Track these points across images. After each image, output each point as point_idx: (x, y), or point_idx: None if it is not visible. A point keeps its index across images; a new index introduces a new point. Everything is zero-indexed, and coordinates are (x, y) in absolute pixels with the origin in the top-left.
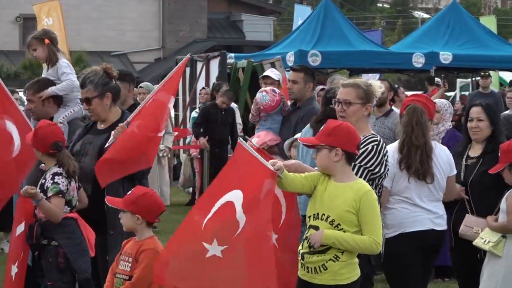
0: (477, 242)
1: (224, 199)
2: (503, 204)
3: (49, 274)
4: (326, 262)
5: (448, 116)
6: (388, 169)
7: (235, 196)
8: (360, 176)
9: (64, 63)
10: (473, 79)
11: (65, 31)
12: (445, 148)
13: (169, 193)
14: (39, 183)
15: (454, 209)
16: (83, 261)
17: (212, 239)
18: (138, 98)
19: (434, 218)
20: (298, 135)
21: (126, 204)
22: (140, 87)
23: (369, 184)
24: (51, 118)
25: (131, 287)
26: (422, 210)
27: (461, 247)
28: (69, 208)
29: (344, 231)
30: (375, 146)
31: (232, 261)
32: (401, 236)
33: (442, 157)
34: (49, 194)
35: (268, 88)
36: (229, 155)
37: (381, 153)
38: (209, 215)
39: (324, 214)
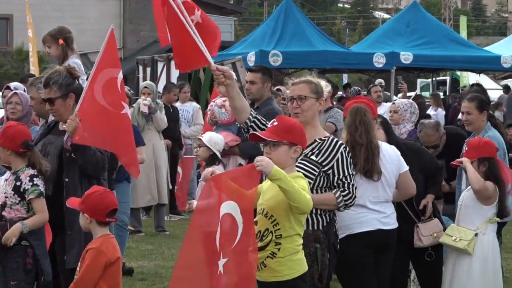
0: (445, 239)
1: (221, 213)
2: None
3: (14, 273)
4: (265, 259)
5: (409, 117)
6: None
7: (230, 207)
8: (353, 183)
9: (73, 63)
10: (433, 79)
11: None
12: (393, 146)
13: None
14: (12, 185)
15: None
16: (47, 264)
17: (220, 255)
18: (142, 98)
19: (382, 218)
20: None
21: (77, 204)
22: (145, 87)
23: (349, 190)
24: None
25: (75, 287)
26: (369, 211)
27: (416, 256)
28: None
29: (275, 220)
30: (346, 149)
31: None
32: (349, 237)
33: (390, 155)
34: (31, 196)
35: (227, 104)
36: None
37: (349, 154)
38: (218, 233)
39: (263, 209)
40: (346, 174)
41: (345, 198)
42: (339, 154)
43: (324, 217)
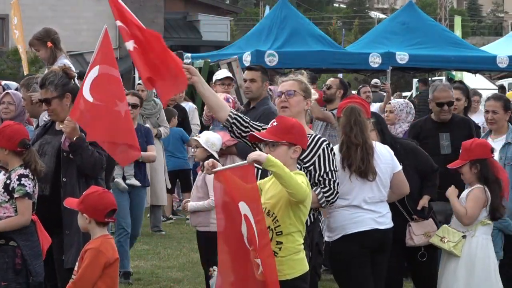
0: (434, 240)
1: (240, 215)
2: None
3: (4, 274)
4: None
5: (405, 116)
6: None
7: (244, 209)
8: (334, 180)
9: (62, 64)
10: (429, 79)
11: (23, 31)
12: (386, 146)
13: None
14: (3, 183)
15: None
16: (38, 264)
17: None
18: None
19: (377, 217)
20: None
21: (75, 204)
22: (139, 84)
23: (330, 186)
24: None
25: (73, 287)
26: (364, 211)
27: (411, 256)
28: None
29: (276, 217)
30: (328, 146)
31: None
32: (344, 238)
33: (384, 155)
34: (15, 195)
35: (222, 96)
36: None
37: (332, 151)
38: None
39: (265, 208)
40: (328, 170)
41: (326, 195)
42: (320, 151)
43: (308, 217)
